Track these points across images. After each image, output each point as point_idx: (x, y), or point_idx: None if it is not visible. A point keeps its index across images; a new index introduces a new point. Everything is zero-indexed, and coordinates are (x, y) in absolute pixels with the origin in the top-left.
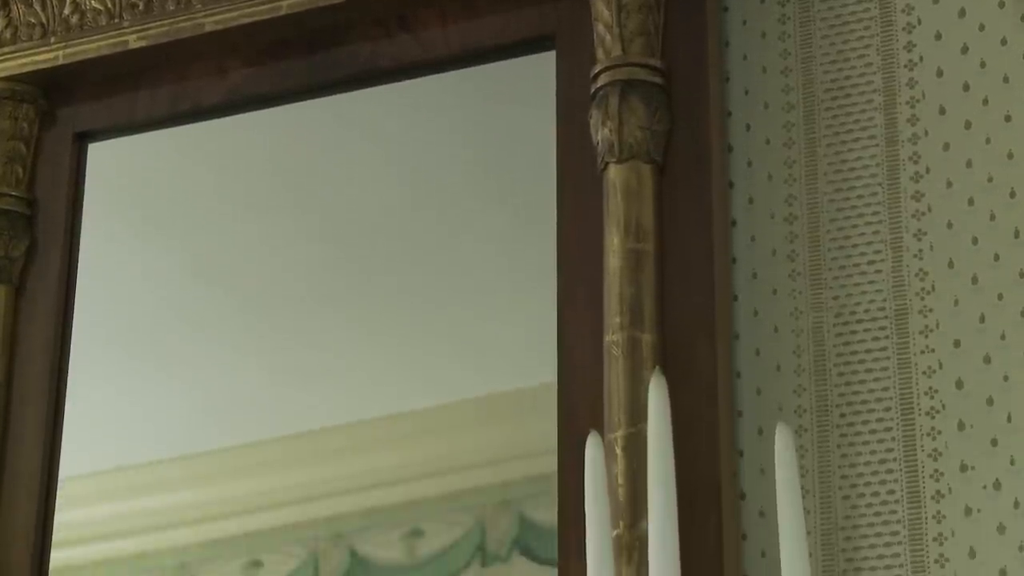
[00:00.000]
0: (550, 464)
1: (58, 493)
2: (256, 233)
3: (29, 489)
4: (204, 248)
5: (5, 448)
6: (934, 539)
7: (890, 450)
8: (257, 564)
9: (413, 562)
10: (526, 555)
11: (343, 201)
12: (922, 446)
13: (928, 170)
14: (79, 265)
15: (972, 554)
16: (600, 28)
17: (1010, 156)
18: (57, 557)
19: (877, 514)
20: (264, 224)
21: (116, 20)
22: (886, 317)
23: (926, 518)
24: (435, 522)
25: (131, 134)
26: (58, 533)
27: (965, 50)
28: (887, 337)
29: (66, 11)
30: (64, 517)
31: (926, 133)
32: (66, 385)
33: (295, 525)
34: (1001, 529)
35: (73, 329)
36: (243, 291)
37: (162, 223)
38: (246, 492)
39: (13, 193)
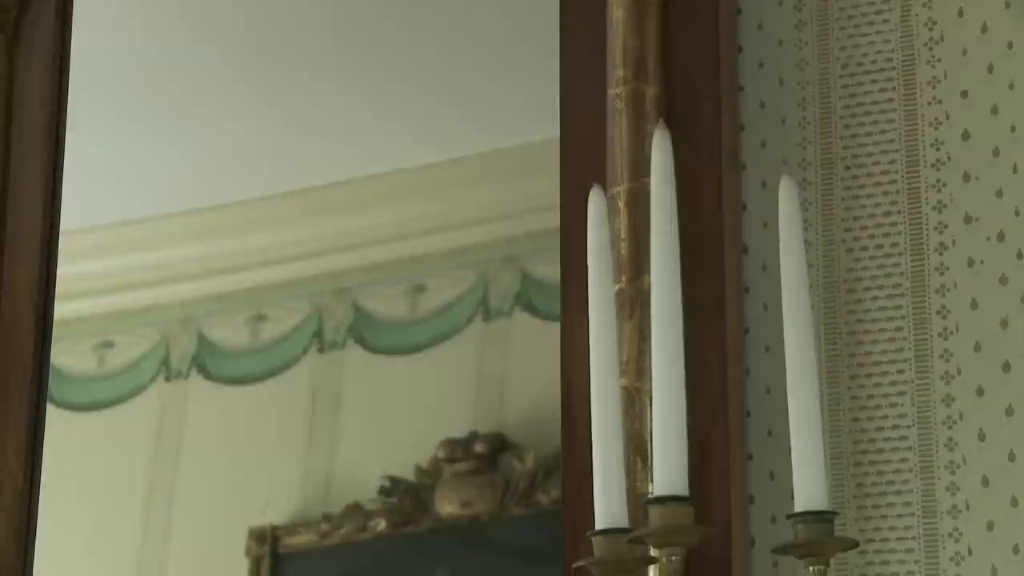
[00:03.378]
0: (553, 220)
1: (63, 246)
2: None
3: (31, 242)
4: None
5: (5, 201)
6: (936, 291)
7: (894, 203)
8: (261, 318)
9: (415, 317)
10: (528, 310)
11: None
12: (927, 199)
13: None
14: (74, 14)
15: (974, 305)
16: None
17: None
18: (63, 310)
19: (880, 267)
20: None
21: None
22: (893, 68)
23: (929, 270)
24: (438, 278)
25: None
26: (64, 286)
27: None
28: (894, 89)
29: None
30: (70, 270)
31: None
32: (64, 137)
33: (298, 280)
34: (1004, 280)
35: (71, 81)
36: (244, 45)
37: None
38: (249, 247)
39: None
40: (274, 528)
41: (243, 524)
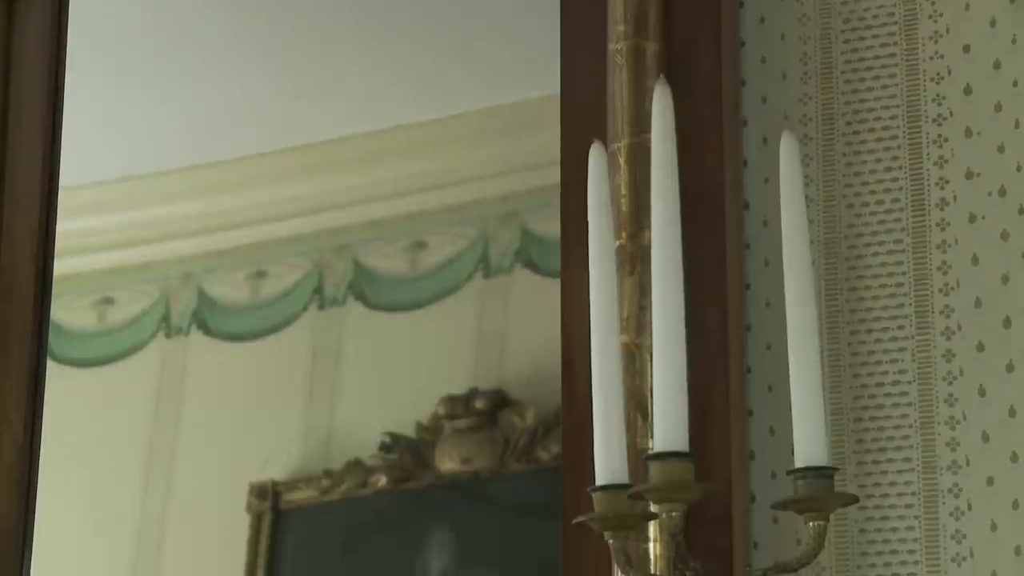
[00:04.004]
0: (553, 176)
1: (63, 202)
2: None
3: (30, 197)
4: None
5: (4, 157)
6: (937, 247)
7: (895, 158)
8: (261, 275)
9: (416, 273)
10: (528, 267)
11: None
12: (928, 154)
13: None
14: None
15: (975, 261)
16: None
17: None
18: (63, 266)
19: (881, 222)
20: None
21: None
22: (896, 23)
23: (930, 226)
24: (438, 234)
25: None
26: (65, 242)
27: None
28: (895, 43)
29: None
30: (70, 226)
31: None
32: (64, 93)
33: (298, 237)
34: (1005, 236)
35: (70, 37)
36: (245, 1)
37: None
38: (250, 203)
39: None
40: (275, 484)
41: (244, 480)
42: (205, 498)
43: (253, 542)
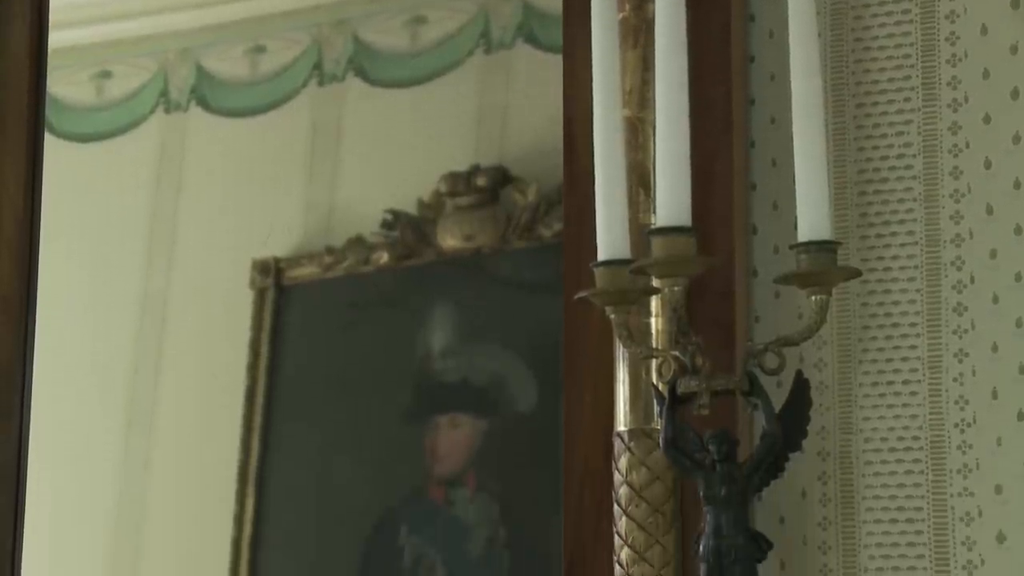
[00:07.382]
0: None
1: None
2: None
3: None
4: None
5: None
6: (946, 17)
7: None
8: (260, 50)
9: (416, 49)
10: (530, 42)
11: None
12: None
13: None
14: None
15: (984, 31)
16: None
17: None
18: (61, 38)
19: None
20: None
21: None
22: None
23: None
24: (438, 9)
25: None
26: (61, 14)
27: None
28: None
29: None
30: None
31: None
32: None
33: (297, 11)
34: (1016, 4)
35: None
36: None
37: None
38: None
39: None
40: (277, 260)
41: (246, 256)
42: (208, 274)
43: (256, 318)
